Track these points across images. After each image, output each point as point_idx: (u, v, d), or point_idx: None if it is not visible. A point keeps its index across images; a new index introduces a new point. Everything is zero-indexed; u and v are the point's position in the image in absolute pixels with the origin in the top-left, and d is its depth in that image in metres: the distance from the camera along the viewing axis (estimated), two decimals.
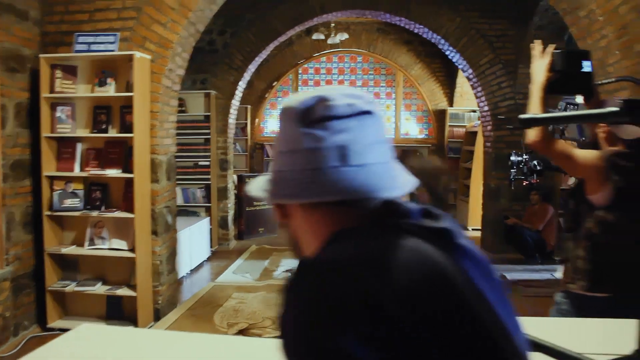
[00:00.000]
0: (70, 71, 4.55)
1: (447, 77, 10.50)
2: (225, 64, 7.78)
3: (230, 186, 8.08)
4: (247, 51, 7.77)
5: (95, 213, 4.51)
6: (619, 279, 2.23)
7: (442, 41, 7.61)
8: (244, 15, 7.72)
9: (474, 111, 10.13)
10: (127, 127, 4.48)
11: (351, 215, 0.77)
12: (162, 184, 4.78)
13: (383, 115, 0.85)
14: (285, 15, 7.64)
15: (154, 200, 4.66)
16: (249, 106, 10.47)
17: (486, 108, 7.59)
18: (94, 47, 4.47)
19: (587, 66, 2.27)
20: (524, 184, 3.37)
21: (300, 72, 11.12)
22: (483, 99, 7.65)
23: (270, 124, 11.24)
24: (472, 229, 8.96)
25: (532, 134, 2.22)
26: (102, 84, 4.52)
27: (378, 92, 11.07)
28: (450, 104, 10.73)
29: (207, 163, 7.67)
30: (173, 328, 4.61)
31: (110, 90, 4.52)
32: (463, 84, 10.32)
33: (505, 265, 6.86)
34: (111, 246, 4.58)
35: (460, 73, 9.62)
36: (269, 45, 7.81)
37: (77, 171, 4.58)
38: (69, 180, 4.58)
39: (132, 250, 4.46)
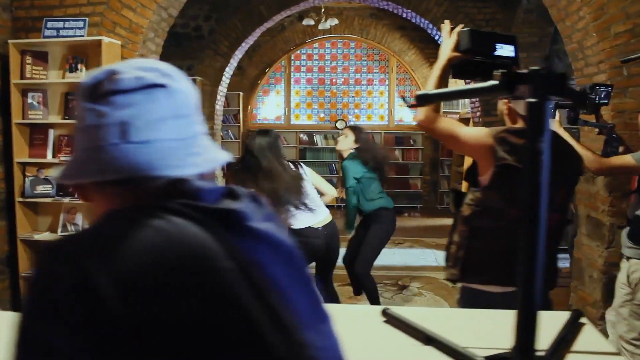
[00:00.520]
0: (41, 57, 4.53)
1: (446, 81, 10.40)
2: (211, 50, 7.74)
3: (218, 173, 8.06)
4: (233, 37, 7.72)
5: (67, 199, 4.50)
6: (492, 269, 2.08)
7: (430, 26, 7.54)
8: (229, 1, 7.67)
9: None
10: None
11: (133, 194, 0.73)
12: None
13: (189, 90, 0.79)
14: (270, 0, 7.57)
15: None
16: (241, 93, 10.42)
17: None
18: (63, 32, 4.44)
19: (508, 50, 2.10)
20: None
21: (292, 58, 11.04)
22: (472, 84, 7.58)
23: (263, 110, 11.19)
24: None
25: (419, 114, 2.13)
26: (72, 69, 4.50)
27: (371, 79, 10.98)
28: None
29: None
30: None
31: (81, 76, 4.48)
32: None
33: None
34: None
35: None
36: (255, 31, 7.75)
37: (49, 157, 4.57)
38: (41, 166, 4.57)
39: None
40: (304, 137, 10.83)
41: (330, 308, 1.62)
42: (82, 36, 4.43)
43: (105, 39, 4.29)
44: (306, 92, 11.09)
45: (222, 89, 7.96)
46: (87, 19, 4.44)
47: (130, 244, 0.63)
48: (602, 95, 3.17)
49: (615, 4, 3.89)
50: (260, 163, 3.48)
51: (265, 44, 10.28)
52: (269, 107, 11.16)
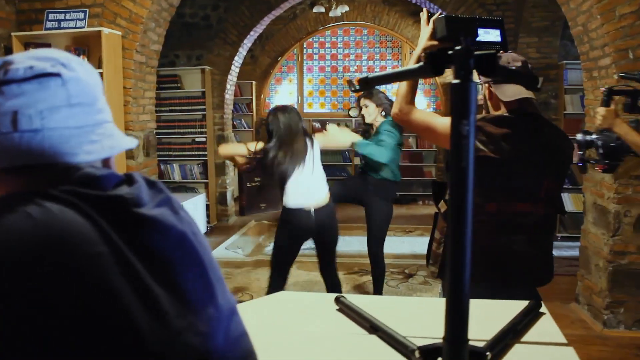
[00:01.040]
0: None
1: None
2: (220, 39, 7.73)
3: (229, 162, 8.08)
4: (242, 26, 7.71)
5: None
6: (472, 265, 2.02)
7: (439, 10, 7.42)
8: None
9: (481, 83, 9.90)
10: None
11: (26, 182, 0.73)
12: (139, 160, 4.79)
13: (88, 78, 0.79)
14: None
15: None
16: (253, 82, 10.41)
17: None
18: (64, 24, 4.47)
19: (493, 35, 2.12)
20: (597, 168, 2.81)
21: (305, 46, 10.99)
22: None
23: (276, 99, 11.16)
24: None
25: (394, 107, 2.07)
26: None
27: (384, 66, 10.89)
28: None
29: (204, 139, 7.67)
30: None
31: None
32: None
33: None
34: None
35: None
36: (263, 19, 7.73)
37: None
38: None
39: None
40: (317, 125, 10.79)
41: (288, 295, 1.60)
42: (83, 27, 4.46)
43: (105, 30, 4.31)
44: (319, 80, 11.04)
45: (232, 78, 7.96)
46: (87, 10, 4.46)
47: None
48: None
49: None
50: (277, 136, 3.56)
51: (278, 32, 10.24)
52: (282, 96, 11.13)
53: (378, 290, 4.38)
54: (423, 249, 6.20)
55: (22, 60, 0.76)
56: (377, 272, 4.37)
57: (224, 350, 0.75)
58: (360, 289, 5.04)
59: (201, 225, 7.23)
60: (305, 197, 3.63)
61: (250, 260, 6.03)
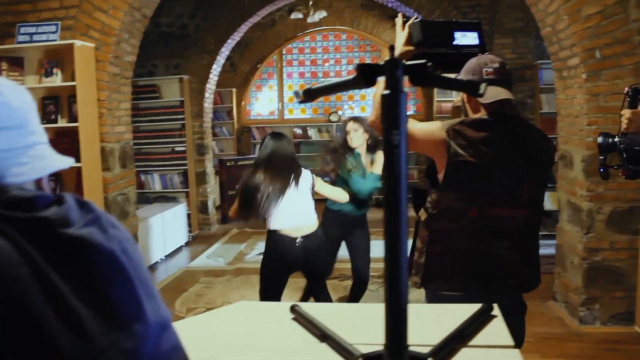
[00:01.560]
0: (16, 63, 4.54)
1: None
2: (198, 48, 7.74)
3: (210, 170, 8.07)
4: (219, 34, 7.72)
5: None
6: (454, 274, 1.95)
7: (415, 14, 7.48)
8: None
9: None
10: (75, 116, 4.46)
11: None
12: (115, 171, 4.77)
13: (17, 102, 0.80)
14: None
15: (107, 188, 4.66)
16: (233, 89, 10.41)
17: None
18: (36, 37, 4.45)
19: (471, 38, 2.00)
20: (620, 174, 2.56)
21: (284, 52, 11.01)
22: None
23: (257, 106, 11.17)
24: None
25: (371, 115, 2.05)
26: (48, 74, 4.50)
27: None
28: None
29: (184, 148, 7.65)
30: None
31: (57, 80, 4.50)
32: None
33: None
34: None
35: None
36: (240, 27, 7.74)
37: None
38: None
39: None
40: (298, 131, 10.81)
41: (247, 305, 1.61)
42: (55, 40, 4.44)
43: (78, 43, 4.30)
44: (299, 86, 11.06)
45: (211, 86, 7.96)
46: (59, 23, 4.44)
47: None
48: None
49: None
50: (262, 161, 3.53)
51: (257, 39, 10.26)
52: (262, 103, 11.14)
53: (358, 299, 4.35)
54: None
55: None
56: (362, 290, 4.28)
57: None
58: (341, 294, 5.06)
59: (182, 234, 7.21)
60: (290, 223, 3.52)
61: (232, 269, 6.02)
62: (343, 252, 4.27)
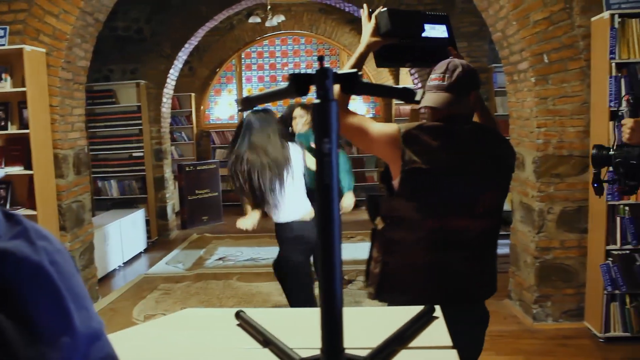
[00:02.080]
0: None
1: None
2: (154, 53, 7.65)
3: (168, 176, 7.99)
4: (176, 38, 7.64)
5: None
6: (409, 286, 1.88)
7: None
8: (170, 1, 7.59)
9: (419, 88, 10.10)
10: (26, 123, 4.37)
11: None
12: (69, 178, 4.68)
13: None
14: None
15: (60, 195, 4.57)
16: (192, 94, 10.32)
17: (420, 85, 7.58)
18: None
19: (440, 31, 1.91)
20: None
21: (243, 56, 10.98)
22: (416, 75, 7.64)
23: (216, 111, 11.10)
24: None
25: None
26: None
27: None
28: (397, 82, 10.68)
29: (142, 154, 7.55)
30: None
31: (6, 86, 4.39)
32: None
33: None
34: None
35: None
36: (197, 31, 7.68)
37: None
38: None
39: None
40: None
41: (193, 312, 1.61)
42: (4, 45, 4.34)
43: (28, 47, 4.21)
44: (258, 90, 11.02)
45: (168, 91, 7.88)
46: (7, 27, 4.35)
47: None
48: None
49: None
50: (248, 136, 3.32)
51: (215, 43, 10.20)
52: (221, 107, 11.07)
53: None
54: (363, 255, 6.17)
55: None
56: None
57: None
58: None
59: (141, 241, 7.12)
60: (303, 209, 3.44)
61: (191, 275, 5.97)
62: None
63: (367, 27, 1.87)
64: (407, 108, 10.49)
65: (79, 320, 0.79)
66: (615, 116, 3.65)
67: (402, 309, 1.50)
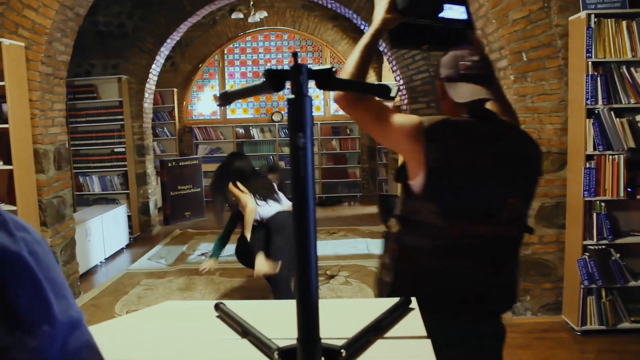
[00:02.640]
0: None
1: (374, 52, 10.44)
2: (136, 48, 7.61)
3: (150, 171, 7.95)
4: (158, 34, 7.61)
5: None
6: (425, 299, 1.49)
7: (355, 15, 7.58)
8: None
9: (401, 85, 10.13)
10: (5, 117, 4.33)
11: None
12: (50, 174, 4.66)
13: None
14: None
15: (41, 191, 4.54)
16: (175, 89, 10.28)
17: (402, 82, 7.62)
18: None
19: (458, 12, 1.74)
20: None
21: (225, 52, 10.95)
22: (398, 72, 7.67)
23: (199, 106, 11.06)
24: None
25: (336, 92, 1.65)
26: None
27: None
28: (379, 78, 10.72)
29: (123, 149, 7.51)
30: None
31: None
32: None
33: None
34: None
35: None
36: (180, 26, 7.65)
37: None
38: None
39: None
40: (241, 131, 10.78)
41: (173, 305, 1.63)
42: None
43: (6, 41, 4.17)
44: (241, 86, 11.01)
45: (150, 86, 7.85)
46: None
47: None
48: None
49: None
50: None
51: (197, 38, 10.17)
52: (204, 103, 11.04)
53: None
54: (345, 250, 6.36)
55: None
56: None
57: None
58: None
59: (123, 236, 7.09)
60: (279, 205, 4.31)
61: (173, 270, 5.96)
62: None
63: (381, 3, 1.67)
64: (389, 104, 10.53)
65: (58, 309, 0.80)
66: (591, 114, 3.71)
67: (379, 300, 1.52)
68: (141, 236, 7.73)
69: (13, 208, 4.27)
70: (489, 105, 1.78)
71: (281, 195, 4.48)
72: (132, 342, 1.32)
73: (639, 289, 3.86)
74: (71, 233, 5.05)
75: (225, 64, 10.98)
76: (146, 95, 7.75)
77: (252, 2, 9.13)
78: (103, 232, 6.39)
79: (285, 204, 4.35)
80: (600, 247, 3.83)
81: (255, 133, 10.77)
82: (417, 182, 1.65)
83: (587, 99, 3.71)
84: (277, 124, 10.69)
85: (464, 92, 1.66)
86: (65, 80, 4.93)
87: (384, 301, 1.50)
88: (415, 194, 1.67)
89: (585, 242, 3.83)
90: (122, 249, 7.04)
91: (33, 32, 4.38)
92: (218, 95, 1.09)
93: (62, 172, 4.91)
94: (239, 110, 11.07)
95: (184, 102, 10.86)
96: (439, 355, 1.09)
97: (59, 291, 0.83)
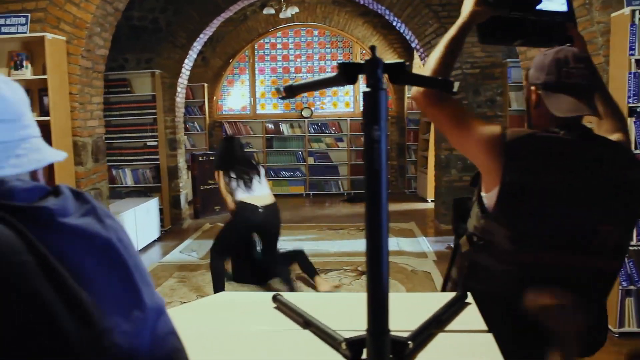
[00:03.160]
0: None
1: (404, 49, 10.42)
2: (169, 43, 7.69)
3: (182, 165, 8.04)
4: (191, 29, 7.68)
5: None
6: (490, 323, 1.38)
7: (387, 12, 7.56)
8: None
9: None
10: (46, 110, 4.42)
11: None
12: (88, 166, 4.74)
13: (12, 96, 0.84)
14: None
15: (79, 182, 4.63)
16: (205, 84, 10.37)
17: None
18: (4, 29, 4.39)
19: (558, 4, 1.60)
20: None
21: (256, 47, 11.00)
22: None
23: (229, 101, 11.15)
24: (431, 200, 8.99)
25: (413, 88, 1.53)
26: (17, 67, 4.45)
27: (336, 66, 10.98)
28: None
29: (156, 143, 7.60)
30: None
31: (26, 73, 4.45)
32: None
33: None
34: None
35: None
36: (212, 22, 7.71)
37: None
38: None
39: None
40: (270, 127, 10.83)
41: (229, 296, 1.65)
42: (25, 33, 4.39)
43: (49, 35, 4.25)
44: (271, 81, 11.07)
45: (182, 81, 7.92)
46: (29, 15, 4.39)
47: None
48: None
49: None
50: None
51: (228, 34, 10.23)
52: (234, 98, 11.12)
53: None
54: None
55: None
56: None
57: (151, 348, 0.79)
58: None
59: (155, 229, 7.18)
60: (249, 194, 4.60)
61: (205, 263, 6.01)
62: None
63: None
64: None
65: (146, 294, 0.83)
66: (633, 112, 3.66)
67: (431, 295, 1.53)
68: (172, 229, 7.82)
69: None
70: (593, 120, 1.61)
71: (256, 182, 4.71)
72: (191, 333, 1.34)
73: None
74: None
75: (256, 60, 11.04)
76: (178, 89, 7.83)
77: None
78: (136, 224, 6.48)
79: (255, 193, 4.65)
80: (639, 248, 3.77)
81: (284, 128, 10.81)
82: (491, 196, 1.51)
83: (629, 97, 3.65)
84: (306, 119, 10.72)
85: (564, 105, 1.46)
86: (103, 74, 5.01)
87: (437, 295, 1.50)
88: (488, 210, 1.52)
89: None
90: (154, 241, 7.13)
91: (74, 26, 4.46)
92: (282, 88, 1.10)
93: (99, 164, 4.99)
94: (269, 106, 11.12)
95: (214, 97, 10.95)
96: None
97: (144, 278, 0.86)
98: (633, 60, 3.64)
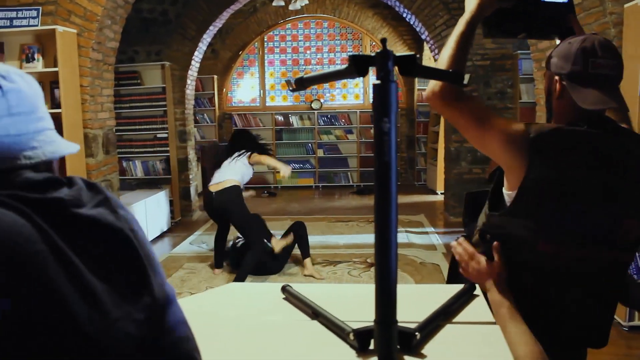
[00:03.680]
0: None
1: (414, 41, 10.38)
2: (179, 35, 7.70)
3: (192, 157, 8.07)
4: (200, 21, 7.68)
5: None
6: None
7: (397, 3, 7.53)
8: None
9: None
10: (58, 102, 4.45)
11: None
12: (99, 158, 4.77)
13: (27, 89, 0.85)
14: None
15: (90, 174, 4.66)
16: (215, 76, 10.39)
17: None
18: (16, 22, 4.41)
19: None
20: None
21: (265, 39, 10.99)
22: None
23: (238, 93, 11.16)
24: (440, 193, 8.97)
25: (432, 83, 1.48)
26: (29, 59, 4.48)
27: (346, 58, 10.96)
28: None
29: (166, 135, 7.63)
30: None
31: (38, 66, 4.48)
32: None
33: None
34: None
35: None
36: (222, 14, 7.71)
37: None
38: None
39: None
40: (280, 119, 10.83)
41: (237, 286, 1.66)
42: (36, 25, 4.41)
43: (60, 28, 4.27)
44: (280, 74, 11.07)
45: (192, 73, 7.94)
46: (40, 7, 4.41)
47: None
48: None
49: None
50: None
51: (238, 26, 10.23)
52: (244, 90, 11.13)
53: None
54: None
55: None
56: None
57: (161, 337, 0.81)
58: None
59: (164, 221, 7.22)
60: (212, 183, 5.01)
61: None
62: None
63: None
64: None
65: (156, 283, 0.84)
66: None
67: (440, 286, 1.54)
68: (182, 221, 7.86)
69: None
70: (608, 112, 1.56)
71: (225, 166, 5.06)
72: (200, 322, 1.36)
73: None
74: None
75: (265, 52, 11.03)
76: (188, 82, 7.84)
77: None
78: (146, 216, 6.52)
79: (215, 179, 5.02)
80: None
81: (294, 120, 10.81)
82: (512, 194, 1.45)
83: None
84: (316, 111, 10.71)
85: (590, 98, 1.40)
86: (113, 67, 5.03)
87: (445, 287, 1.51)
88: (507, 208, 1.48)
89: None
90: (164, 233, 7.17)
91: (85, 19, 4.48)
92: (293, 80, 1.11)
93: (110, 156, 5.03)
94: (278, 98, 11.12)
95: (224, 89, 10.96)
96: None
97: (155, 267, 0.87)
98: None
